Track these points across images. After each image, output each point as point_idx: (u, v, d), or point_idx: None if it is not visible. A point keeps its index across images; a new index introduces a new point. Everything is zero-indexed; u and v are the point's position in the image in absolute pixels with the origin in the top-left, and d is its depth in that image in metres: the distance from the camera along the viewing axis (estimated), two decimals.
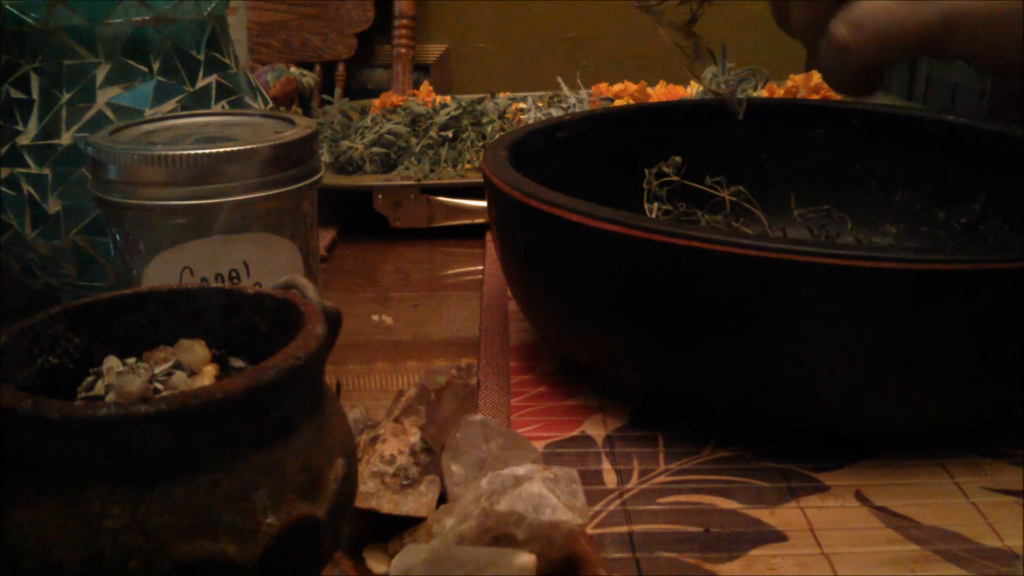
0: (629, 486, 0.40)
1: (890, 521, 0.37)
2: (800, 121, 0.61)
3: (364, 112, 0.86)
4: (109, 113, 0.51)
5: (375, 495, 0.34)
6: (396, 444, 0.36)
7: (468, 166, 0.75)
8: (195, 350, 0.30)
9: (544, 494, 0.31)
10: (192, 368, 0.30)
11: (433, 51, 1.96)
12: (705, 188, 0.59)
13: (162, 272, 0.42)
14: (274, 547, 0.25)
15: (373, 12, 1.70)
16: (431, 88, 0.92)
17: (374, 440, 0.36)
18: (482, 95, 0.89)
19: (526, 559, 0.30)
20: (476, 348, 0.54)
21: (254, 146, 0.42)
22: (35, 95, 0.51)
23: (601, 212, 0.40)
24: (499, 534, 0.31)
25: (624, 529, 0.37)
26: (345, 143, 0.77)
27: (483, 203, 0.73)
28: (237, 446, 0.25)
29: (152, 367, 0.30)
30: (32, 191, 0.51)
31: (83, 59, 0.51)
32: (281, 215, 0.44)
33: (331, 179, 0.74)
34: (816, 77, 0.90)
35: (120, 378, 0.29)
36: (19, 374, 0.28)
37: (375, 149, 0.76)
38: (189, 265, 0.42)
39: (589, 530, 0.37)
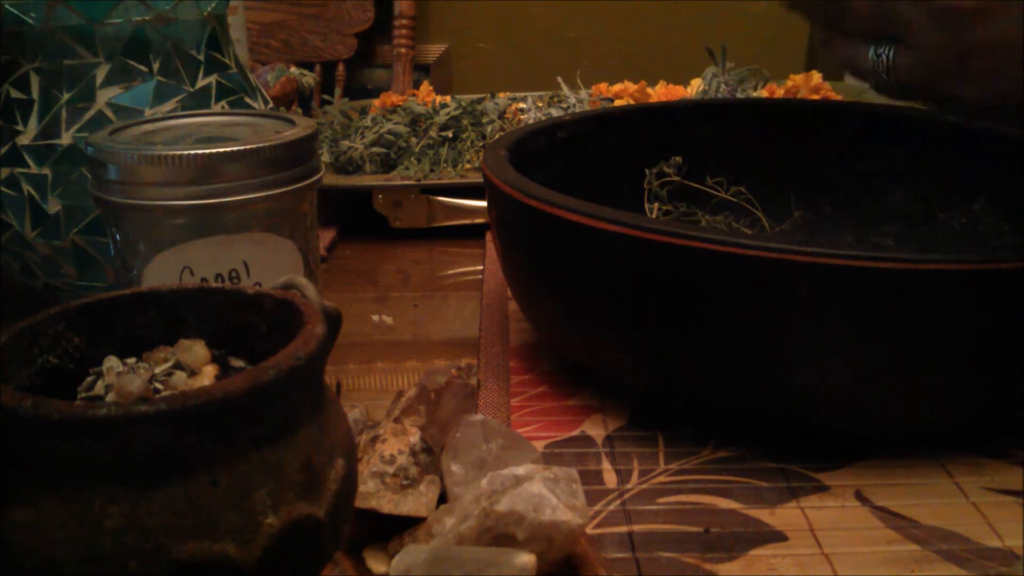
0: (629, 486, 0.40)
1: (890, 521, 0.37)
2: (800, 121, 0.61)
3: (364, 112, 0.86)
4: (109, 113, 0.51)
5: (375, 495, 0.34)
6: (396, 444, 0.36)
7: (468, 166, 0.75)
8: (195, 350, 0.30)
9: (544, 494, 0.31)
10: (192, 368, 0.30)
11: (433, 51, 1.95)
12: (705, 188, 0.59)
13: (162, 272, 0.42)
14: (274, 547, 0.25)
15: (373, 12, 1.70)
16: (431, 88, 0.92)
17: (374, 440, 0.36)
18: (482, 95, 0.89)
19: (526, 559, 0.30)
20: (476, 348, 0.54)
21: (254, 146, 0.42)
22: (35, 95, 0.51)
23: (601, 212, 0.40)
24: (499, 534, 0.31)
25: (624, 529, 0.37)
26: (345, 143, 0.77)
27: (483, 203, 0.73)
28: (237, 446, 0.25)
29: (152, 367, 0.30)
30: (32, 191, 0.51)
31: (83, 59, 0.51)
32: (281, 215, 0.44)
33: (331, 179, 0.74)
34: (816, 77, 0.90)
35: (120, 378, 0.29)
36: (19, 374, 0.28)
37: (375, 149, 0.76)
38: (189, 265, 0.42)
39: (589, 530, 0.37)
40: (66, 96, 0.51)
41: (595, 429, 0.44)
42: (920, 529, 0.37)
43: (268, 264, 0.44)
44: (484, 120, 0.81)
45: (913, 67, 0.45)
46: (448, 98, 0.88)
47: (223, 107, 0.53)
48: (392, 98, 0.88)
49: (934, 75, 0.44)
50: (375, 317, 0.59)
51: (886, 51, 0.45)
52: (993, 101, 0.45)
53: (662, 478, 0.40)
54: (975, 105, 0.45)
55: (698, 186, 0.58)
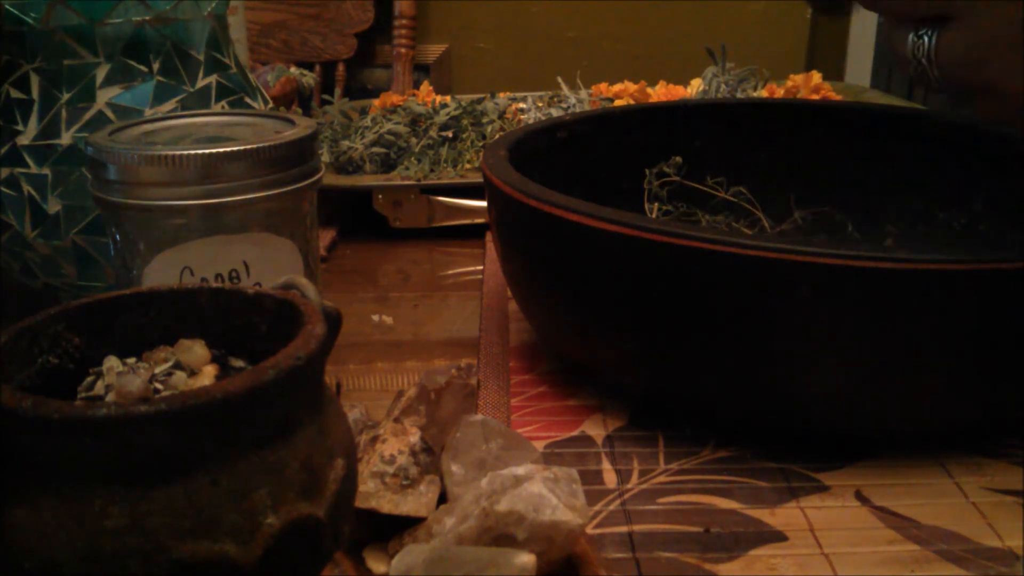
0: (629, 486, 0.40)
1: (890, 521, 0.37)
2: (800, 121, 0.61)
3: (364, 112, 0.86)
4: (109, 113, 0.51)
5: (375, 495, 0.34)
6: (396, 444, 0.36)
7: (468, 166, 0.75)
8: (195, 350, 0.30)
9: (544, 494, 0.31)
10: (192, 368, 0.30)
11: (433, 51, 1.96)
12: (705, 188, 0.59)
13: (162, 272, 0.42)
14: (274, 547, 0.25)
15: (373, 12, 1.70)
16: (431, 88, 0.92)
17: (374, 440, 0.36)
18: (482, 95, 0.89)
19: (526, 559, 0.30)
20: (476, 348, 0.54)
21: (254, 146, 0.42)
22: (35, 95, 0.51)
23: (601, 212, 0.40)
24: (499, 534, 0.31)
25: (624, 529, 0.37)
26: (345, 143, 0.77)
27: (483, 203, 0.73)
28: (237, 446, 0.25)
29: (152, 367, 0.30)
30: (32, 191, 0.51)
31: (83, 59, 0.51)
32: (281, 215, 0.44)
33: (331, 179, 0.74)
34: (816, 77, 0.90)
35: (120, 378, 0.29)
36: (19, 374, 0.28)
37: (375, 149, 0.76)
38: (189, 265, 0.42)
39: (589, 530, 0.37)
40: (66, 96, 0.51)
41: (595, 429, 0.44)
42: (920, 529, 0.37)
43: (268, 264, 0.44)
44: (484, 120, 0.81)
45: (959, 52, 0.40)
46: (448, 98, 0.88)
47: (223, 107, 0.53)
48: (392, 98, 0.88)
49: (981, 60, 0.40)
50: (375, 317, 0.59)
51: (928, 34, 0.42)
52: None
53: (662, 478, 0.40)
54: (1014, 102, 0.41)
55: (698, 186, 0.59)
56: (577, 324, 0.46)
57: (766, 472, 0.40)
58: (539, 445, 0.43)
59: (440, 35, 2.09)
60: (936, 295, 0.36)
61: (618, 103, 0.85)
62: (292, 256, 0.45)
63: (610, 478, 0.40)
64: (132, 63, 0.51)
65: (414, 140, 0.78)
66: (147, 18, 0.51)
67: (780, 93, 0.88)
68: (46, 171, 0.50)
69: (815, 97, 0.87)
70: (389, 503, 0.34)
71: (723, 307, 0.39)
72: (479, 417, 0.38)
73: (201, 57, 0.53)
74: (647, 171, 0.58)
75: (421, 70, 1.82)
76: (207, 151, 0.41)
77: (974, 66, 0.40)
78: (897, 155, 0.58)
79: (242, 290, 0.31)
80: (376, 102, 0.90)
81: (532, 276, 0.47)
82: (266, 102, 0.58)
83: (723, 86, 0.85)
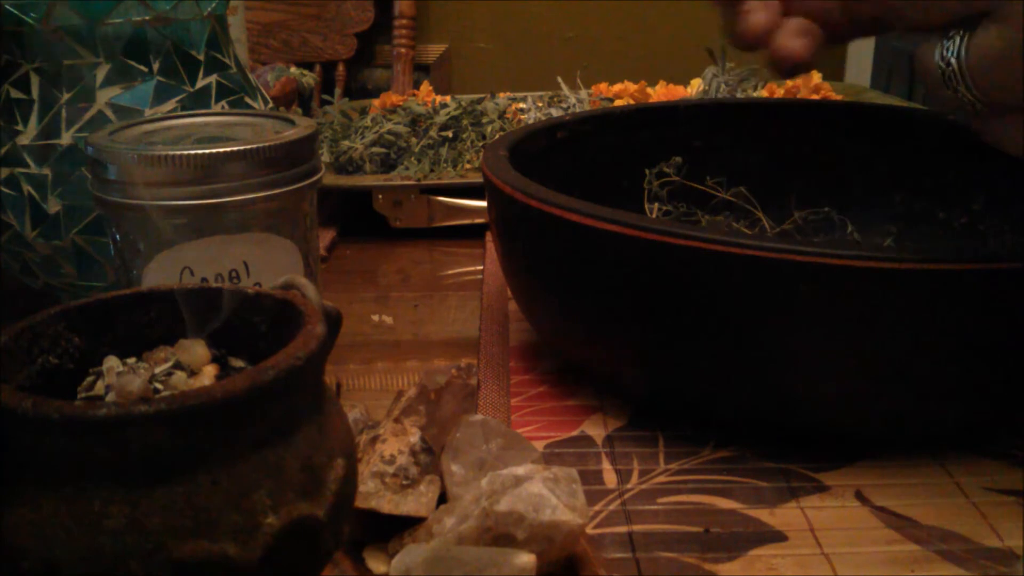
0: (629, 486, 0.40)
1: (890, 521, 0.37)
2: (800, 121, 0.61)
3: (364, 112, 0.86)
4: (109, 113, 0.51)
5: (375, 495, 0.34)
6: (396, 444, 0.36)
7: (468, 166, 0.75)
8: (195, 350, 0.30)
9: (544, 494, 0.31)
10: (192, 368, 0.30)
11: (433, 51, 1.96)
12: (705, 189, 0.59)
13: (162, 272, 0.42)
14: (274, 547, 0.25)
15: (373, 12, 1.70)
16: (431, 88, 0.92)
17: (374, 440, 0.36)
18: (482, 95, 0.89)
19: (526, 559, 0.30)
20: (476, 348, 0.54)
21: (254, 146, 0.42)
22: (35, 95, 0.51)
23: (601, 212, 0.40)
24: (499, 534, 0.31)
25: (624, 529, 0.37)
26: (345, 143, 0.77)
27: (483, 203, 0.73)
28: (237, 446, 0.25)
29: (152, 367, 0.30)
30: (32, 191, 0.51)
31: (83, 59, 0.51)
32: (281, 215, 0.44)
33: (331, 179, 0.74)
34: (816, 77, 0.90)
35: (120, 378, 0.29)
36: (19, 374, 0.28)
37: (375, 149, 0.76)
38: (189, 265, 0.42)
39: (589, 530, 0.37)
40: (66, 96, 0.51)
41: (595, 429, 0.44)
42: (920, 529, 0.37)
43: (268, 264, 0.44)
44: (484, 120, 0.81)
45: (994, 51, 0.35)
46: (448, 98, 0.88)
47: (223, 107, 0.53)
48: (392, 98, 0.88)
49: (1015, 59, 0.33)
50: (375, 317, 0.59)
51: (960, 35, 0.36)
52: None
53: (662, 478, 0.40)
54: None
55: (698, 186, 0.58)
56: (577, 324, 0.46)
57: (766, 472, 0.40)
58: (539, 445, 0.43)
59: (440, 35, 2.09)
60: (936, 295, 0.36)
61: (618, 103, 0.85)
62: (292, 256, 0.45)
63: (610, 478, 0.40)
64: (132, 63, 0.51)
65: (414, 140, 0.78)
66: (147, 18, 0.51)
67: (780, 93, 0.88)
68: (46, 171, 0.50)
69: (815, 97, 0.87)
70: (389, 503, 0.34)
71: (723, 307, 0.39)
72: (479, 417, 0.38)
73: (201, 57, 0.53)
74: (647, 171, 0.58)
75: (421, 70, 1.82)
76: (207, 151, 0.41)
77: (1008, 65, 0.34)
78: (897, 155, 0.58)
79: (242, 290, 0.31)
80: (376, 102, 0.90)
81: (532, 276, 0.47)
82: (266, 102, 0.58)
83: (723, 86, 0.85)
